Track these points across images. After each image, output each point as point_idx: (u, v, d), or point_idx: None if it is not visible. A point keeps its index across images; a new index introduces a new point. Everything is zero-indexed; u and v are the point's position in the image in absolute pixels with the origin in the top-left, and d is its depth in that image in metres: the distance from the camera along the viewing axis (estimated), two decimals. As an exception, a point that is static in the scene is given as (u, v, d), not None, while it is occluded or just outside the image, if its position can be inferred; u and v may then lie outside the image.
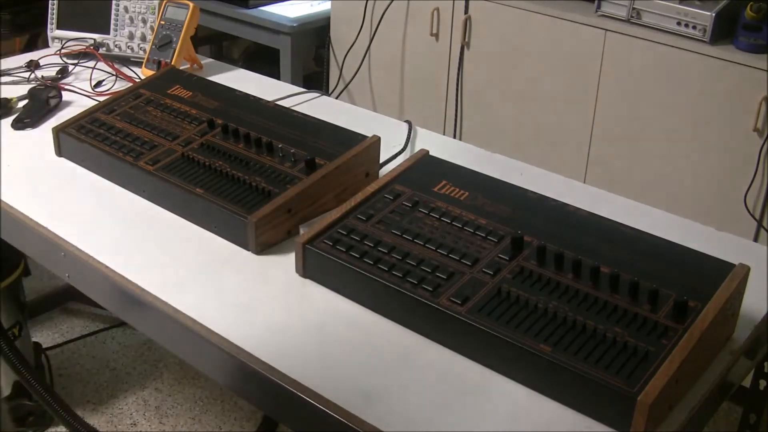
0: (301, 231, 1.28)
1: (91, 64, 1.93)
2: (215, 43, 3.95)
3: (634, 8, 2.30)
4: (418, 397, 1.01)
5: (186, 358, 1.23)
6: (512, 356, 1.02)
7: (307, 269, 1.22)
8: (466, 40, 2.68)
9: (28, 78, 1.91)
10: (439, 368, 1.06)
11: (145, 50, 1.95)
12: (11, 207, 1.41)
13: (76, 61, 1.98)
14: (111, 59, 1.95)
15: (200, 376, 2.39)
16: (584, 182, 2.12)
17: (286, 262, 1.26)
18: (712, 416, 1.11)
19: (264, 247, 1.29)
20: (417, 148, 1.52)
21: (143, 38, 1.96)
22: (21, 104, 1.76)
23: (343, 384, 1.03)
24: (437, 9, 2.71)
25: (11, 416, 2.16)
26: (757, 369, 1.28)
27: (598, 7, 2.37)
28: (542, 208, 1.25)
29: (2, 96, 1.77)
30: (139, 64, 1.94)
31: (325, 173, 1.33)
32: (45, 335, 2.60)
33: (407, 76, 2.90)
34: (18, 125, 1.69)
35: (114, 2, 1.98)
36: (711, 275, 1.09)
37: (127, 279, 1.23)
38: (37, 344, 2.31)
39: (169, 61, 1.87)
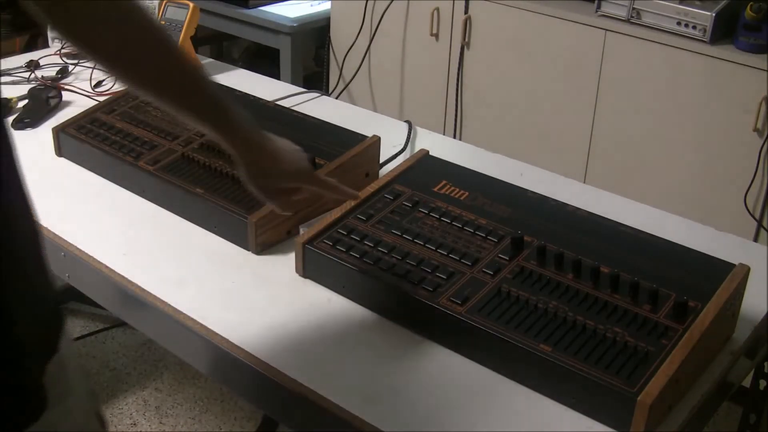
0: (301, 231, 1.28)
1: (91, 64, 1.92)
2: (215, 43, 3.95)
3: (634, 8, 2.30)
4: (418, 397, 1.01)
5: (186, 358, 1.23)
6: (512, 356, 1.02)
7: (307, 269, 1.22)
8: (466, 40, 2.68)
9: (28, 78, 1.91)
10: (439, 368, 1.06)
11: (145, 50, 1.94)
12: (11, 207, 1.41)
13: (76, 61, 1.97)
14: (111, 59, 1.95)
15: (200, 376, 2.39)
16: (584, 182, 2.12)
17: (286, 262, 1.26)
18: (712, 416, 1.11)
19: (264, 247, 1.29)
20: (417, 148, 1.52)
21: (143, 38, 1.96)
22: (21, 104, 1.76)
23: (343, 384, 1.03)
24: (437, 9, 2.71)
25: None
26: (757, 369, 1.28)
27: (598, 7, 2.37)
28: (542, 208, 1.25)
29: (2, 96, 1.77)
30: (139, 64, 1.94)
31: (325, 173, 1.33)
32: (45, 335, 2.59)
33: (407, 76, 2.90)
34: (18, 125, 1.69)
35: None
36: (711, 275, 1.09)
37: (127, 279, 1.23)
38: (37, 344, 2.31)
39: (169, 61, 1.86)
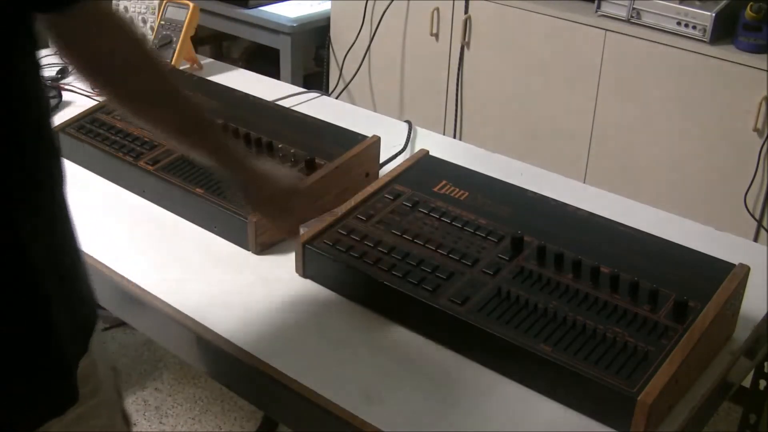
0: (301, 231, 1.28)
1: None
2: (215, 43, 3.95)
3: (634, 8, 2.29)
4: (418, 397, 1.01)
5: (186, 358, 1.23)
6: (512, 356, 1.02)
7: (307, 269, 1.22)
8: (466, 40, 2.68)
9: (28, 78, 1.90)
10: (439, 368, 1.06)
11: (145, 50, 1.94)
12: (11, 207, 1.41)
13: (76, 61, 1.97)
14: (111, 59, 1.95)
15: (200, 376, 2.39)
16: (584, 182, 2.12)
17: (286, 262, 1.26)
18: (712, 416, 1.11)
19: (264, 247, 1.29)
20: (417, 148, 1.52)
21: (143, 38, 1.96)
22: (21, 104, 1.76)
23: (343, 384, 1.03)
24: (437, 9, 2.71)
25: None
26: (757, 369, 1.28)
27: (598, 7, 2.37)
28: (542, 208, 1.25)
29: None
30: (139, 64, 1.94)
31: (325, 173, 1.33)
32: (45, 335, 2.59)
33: (407, 76, 2.90)
34: (18, 125, 1.69)
35: (114, 2, 1.98)
36: (711, 275, 1.09)
37: (127, 279, 1.23)
38: (37, 344, 2.31)
39: (169, 61, 1.87)
